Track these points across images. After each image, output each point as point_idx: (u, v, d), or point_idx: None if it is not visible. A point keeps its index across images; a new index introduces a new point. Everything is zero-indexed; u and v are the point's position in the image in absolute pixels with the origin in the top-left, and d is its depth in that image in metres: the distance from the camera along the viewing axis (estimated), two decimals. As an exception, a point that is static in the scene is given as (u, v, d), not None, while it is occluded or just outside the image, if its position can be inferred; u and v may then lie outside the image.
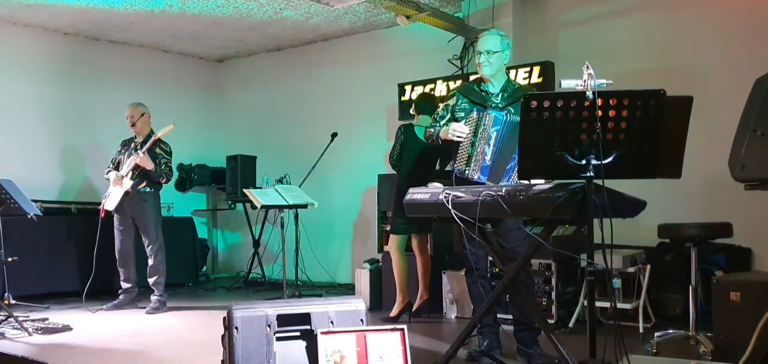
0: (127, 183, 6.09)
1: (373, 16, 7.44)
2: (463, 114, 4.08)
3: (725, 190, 4.08)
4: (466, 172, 3.89)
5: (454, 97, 4.21)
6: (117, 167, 6.29)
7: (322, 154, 7.08)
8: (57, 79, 7.97)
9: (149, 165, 6.01)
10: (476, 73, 6.51)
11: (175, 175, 8.86)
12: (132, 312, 6.21)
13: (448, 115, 4.18)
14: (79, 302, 6.39)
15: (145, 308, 6.21)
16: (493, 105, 4.04)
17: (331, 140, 7.11)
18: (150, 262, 6.22)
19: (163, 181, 6.22)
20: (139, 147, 6.14)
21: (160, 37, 8.36)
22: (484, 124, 3.85)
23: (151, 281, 6.23)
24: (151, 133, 6.22)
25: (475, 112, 3.97)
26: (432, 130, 4.21)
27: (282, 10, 7.29)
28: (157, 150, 6.14)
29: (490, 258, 4.64)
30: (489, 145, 3.82)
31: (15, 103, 7.57)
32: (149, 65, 8.82)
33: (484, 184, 3.78)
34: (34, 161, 7.62)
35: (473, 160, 3.87)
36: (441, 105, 4.31)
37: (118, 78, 8.40)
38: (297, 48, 8.78)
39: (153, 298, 6.20)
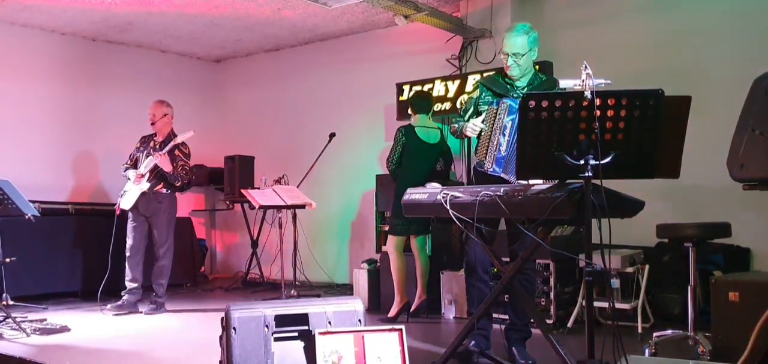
0: (145, 184, 6.04)
1: (371, 16, 7.43)
2: (486, 107, 3.95)
3: (724, 190, 4.08)
4: (484, 164, 3.80)
5: (478, 90, 4.10)
6: (135, 164, 6.22)
7: (320, 154, 7.07)
8: (55, 79, 7.96)
9: (168, 167, 5.94)
10: (474, 73, 6.57)
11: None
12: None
13: (472, 109, 4.07)
14: (78, 302, 6.37)
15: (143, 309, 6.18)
16: (516, 96, 3.84)
17: (329, 140, 7.10)
18: (158, 262, 6.17)
19: (178, 184, 6.13)
20: (158, 147, 6.11)
21: (158, 37, 8.35)
22: (499, 115, 3.74)
23: (154, 281, 6.18)
24: (172, 133, 6.18)
25: (494, 104, 3.86)
26: (456, 126, 4.10)
27: (280, 11, 7.28)
28: (176, 152, 6.07)
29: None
30: (504, 135, 3.68)
31: (12, 103, 7.55)
32: (147, 65, 8.80)
33: (500, 177, 3.70)
34: (30, 162, 7.61)
35: (489, 151, 3.78)
36: (465, 97, 4.20)
37: (116, 78, 8.38)
38: (295, 48, 8.78)
39: (153, 298, 6.17)
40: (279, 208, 6.79)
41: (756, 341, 2.64)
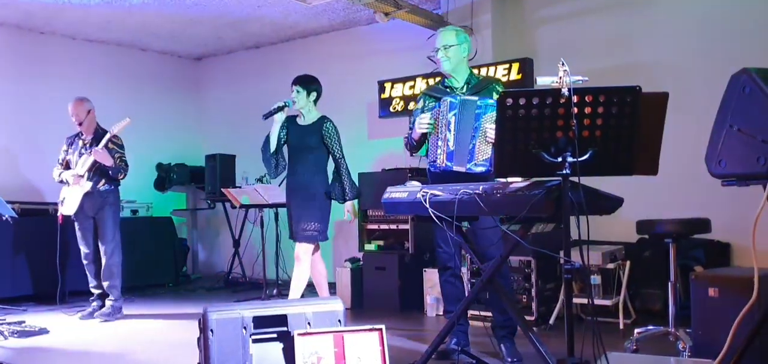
0: (87, 184, 5.76)
1: (351, 13, 7.40)
2: (431, 113, 4.08)
3: (703, 185, 4.08)
4: (436, 163, 3.92)
5: (421, 100, 4.26)
6: (67, 167, 5.94)
7: (302, 152, 7.02)
8: (33, 78, 7.85)
9: (109, 161, 5.68)
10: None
11: (154, 176, 8.81)
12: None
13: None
14: (57, 304, 6.28)
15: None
16: (455, 94, 4.05)
17: (311, 138, 7.05)
18: (105, 262, 5.83)
19: (121, 176, 5.87)
20: (88, 144, 5.82)
21: (137, 35, 8.27)
22: (443, 112, 3.89)
23: (105, 284, 5.86)
24: (100, 127, 5.92)
25: (437, 107, 4.00)
26: (407, 137, 4.25)
27: (260, 8, 7.23)
28: (110, 145, 5.78)
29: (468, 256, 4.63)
30: (450, 130, 3.86)
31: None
32: (127, 64, 8.72)
33: (452, 172, 3.82)
34: (10, 162, 7.52)
35: (439, 149, 3.91)
36: (412, 108, 4.32)
37: (96, 77, 8.27)
38: (276, 45, 8.73)
39: (107, 303, 5.88)
40: (261, 207, 6.74)
41: (734, 336, 2.64)
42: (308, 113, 5.00)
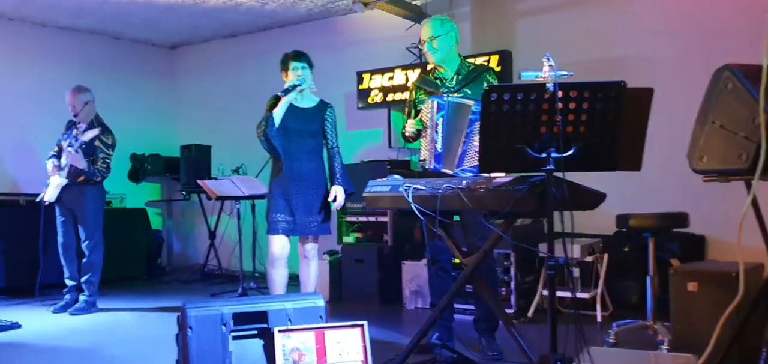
0: (63, 179, 5.62)
1: (330, 2, 7.33)
2: (422, 106, 4.03)
3: (679, 179, 4.11)
4: (426, 165, 3.90)
5: (414, 92, 4.18)
6: (60, 153, 5.77)
7: (280, 143, 6.95)
8: (1, 66, 7.67)
9: (81, 164, 5.50)
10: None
11: (128, 167, 8.67)
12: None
13: (413, 111, 4.14)
14: (30, 297, 6.16)
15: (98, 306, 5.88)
16: (447, 90, 4.00)
17: (289, 129, 6.98)
18: (86, 259, 5.71)
19: (97, 179, 5.67)
20: (80, 135, 5.60)
21: (111, 23, 8.12)
22: (432, 113, 3.85)
23: (83, 278, 5.73)
24: (95, 121, 5.77)
25: (428, 102, 3.94)
26: (403, 127, 4.14)
27: (237, -3, 7.14)
28: (97, 143, 5.64)
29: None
30: (437, 132, 3.80)
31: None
32: (100, 52, 8.56)
33: (441, 173, 3.76)
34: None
35: (429, 150, 3.87)
36: (408, 99, 4.26)
37: (68, 65, 8.11)
38: (253, 34, 8.62)
39: (81, 298, 5.76)
40: (237, 198, 6.67)
41: (719, 334, 2.65)
42: (308, 95, 4.52)
